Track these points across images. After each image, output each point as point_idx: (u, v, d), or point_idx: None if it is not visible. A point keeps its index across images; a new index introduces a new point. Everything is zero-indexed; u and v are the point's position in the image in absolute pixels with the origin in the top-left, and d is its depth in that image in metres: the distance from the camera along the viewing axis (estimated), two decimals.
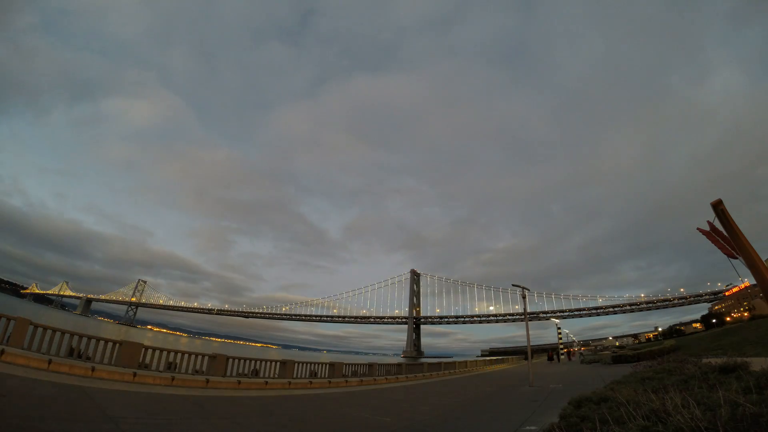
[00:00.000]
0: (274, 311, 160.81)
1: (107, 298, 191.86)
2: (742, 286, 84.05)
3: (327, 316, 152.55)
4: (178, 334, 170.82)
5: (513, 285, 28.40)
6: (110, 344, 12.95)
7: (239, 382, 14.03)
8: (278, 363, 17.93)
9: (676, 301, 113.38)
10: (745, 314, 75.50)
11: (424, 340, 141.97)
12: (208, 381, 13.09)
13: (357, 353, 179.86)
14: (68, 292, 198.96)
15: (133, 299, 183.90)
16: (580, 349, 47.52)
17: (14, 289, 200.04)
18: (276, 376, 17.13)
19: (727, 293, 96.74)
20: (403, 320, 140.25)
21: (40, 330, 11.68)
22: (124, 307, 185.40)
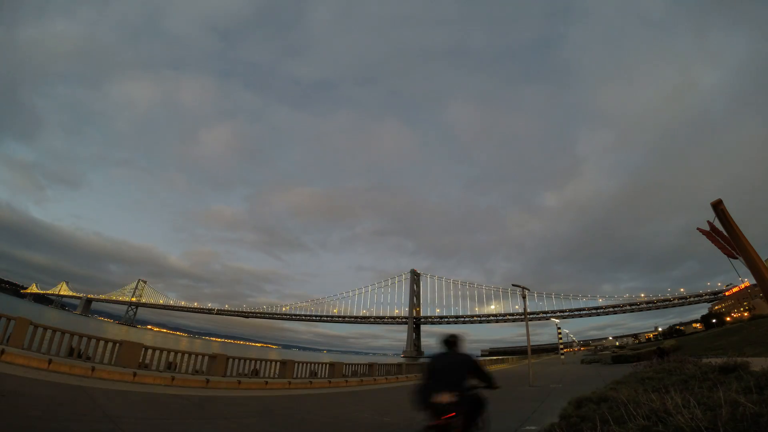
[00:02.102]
0: (274, 311, 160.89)
1: (107, 298, 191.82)
2: (742, 286, 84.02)
3: (327, 316, 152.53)
4: (178, 334, 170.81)
5: (513, 285, 28.42)
6: (110, 344, 12.96)
7: (239, 382, 14.04)
8: (278, 363, 17.94)
9: (676, 301, 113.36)
10: (745, 314, 75.52)
11: (424, 340, 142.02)
12: (208, 381, 13.09)
13: (357, 353, 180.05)
14: (68, 292, 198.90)
15: (133, 299, 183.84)
16: None
17: (14, 289, 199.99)
18: (276, 376, 17.13)
19: (727, 293, 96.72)
20: (403, 320, 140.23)
21: (40, 330, 11.69)
22: (124, 307, 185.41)
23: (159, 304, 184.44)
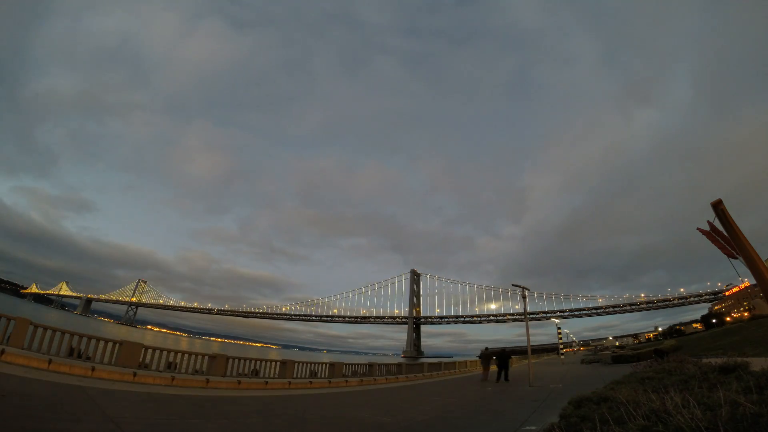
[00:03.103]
0: (274, 311, 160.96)
1: (107, 298, 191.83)
2: (742, 286, 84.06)
3: (327, 316, 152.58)
4: (178, 334, 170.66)
5: (513, 285, 28.40)
6: (110, 344, 12.95)
7: (239, 382, 14.04)
8: (278, 363, 17.93)
9: (676, 301, 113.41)
10: (745, 314, 75.54)
11: (424, 340, 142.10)
12: (208, 381, 13.09)
13: (357, 353, 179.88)
14: (68, 292, 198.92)
15: (133, 299, 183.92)
16: None
17: (14, 289, 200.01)
18: (276, 376, 17.13)
19: (727, 293, 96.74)
20: (403, 320, 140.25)
21: (40, 330, 11.69)
22: (124, 307, 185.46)
23: (159, 304, 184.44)
